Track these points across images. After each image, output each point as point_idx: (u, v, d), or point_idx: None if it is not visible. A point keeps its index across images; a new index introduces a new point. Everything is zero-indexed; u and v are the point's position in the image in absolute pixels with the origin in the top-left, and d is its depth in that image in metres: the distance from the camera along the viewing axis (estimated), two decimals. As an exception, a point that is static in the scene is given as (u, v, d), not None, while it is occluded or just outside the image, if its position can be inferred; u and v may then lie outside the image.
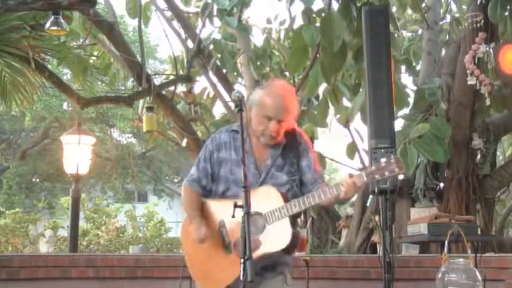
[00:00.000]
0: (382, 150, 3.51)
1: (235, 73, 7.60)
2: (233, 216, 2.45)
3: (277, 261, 2.77)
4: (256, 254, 2.53)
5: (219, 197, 2.85)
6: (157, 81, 7.35)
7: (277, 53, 8.29)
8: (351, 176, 2.61)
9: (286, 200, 2.69)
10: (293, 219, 2.70)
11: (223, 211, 2.71)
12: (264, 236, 2.65)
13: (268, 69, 7.86)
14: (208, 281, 2.79)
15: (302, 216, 7.93)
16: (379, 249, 4.82)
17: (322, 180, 2.88)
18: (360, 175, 2.61)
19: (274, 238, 2.63)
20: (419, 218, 4.67)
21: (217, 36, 7.19)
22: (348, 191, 2.59)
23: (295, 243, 2.68)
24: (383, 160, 2.62)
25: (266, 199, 2.65)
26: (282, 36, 8.32)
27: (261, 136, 2.81)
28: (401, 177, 3.82)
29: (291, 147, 2.82)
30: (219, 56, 6.88)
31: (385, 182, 3.42)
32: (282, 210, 2.64)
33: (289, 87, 2.94)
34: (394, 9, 7.52)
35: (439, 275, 3.55)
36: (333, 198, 2.64)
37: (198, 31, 6.92)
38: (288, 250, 2.69)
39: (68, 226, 6.95)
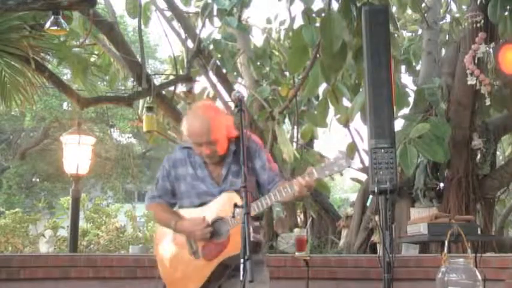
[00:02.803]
0: (382, 150, 3.51)
1: (235, 73, 7.59)
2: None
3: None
4: (221, 257, 2.76)
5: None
6: (157, 81, 7.34)
7: (277, 53, 8.29)
8: (303, 176, 2.69)
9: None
10: (254, 221, 2.75)
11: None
12: (228, 239, 2.78)
13: (268, 69, 7.85)
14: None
15: (302, 216, 7.99)
16: (379, 249, 4.81)
17: (280, 177, 2.94)
18: (311, 173, 2.69)
19: (235, 241, 2.68)
20: (419, 218, 4.66)
21: (217, 36, 7.19)
22: (301, 190, 2.68)
23: (253, 245, 2.67)
24: (332, 156, 2.75)
25: (228, 205, 2.70)
26: (282, 36, 8.32)
27: (204, 157, 2.89)
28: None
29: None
30: (219, 56, 6.87)
31: (385, 182, 3.42)
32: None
33: (206, 107, 2.93)
34: (394, 9, 7.52)
35: (439, 275, 3.55)
36: (290, 197, 2.74)
37: (198, 31, 6.91)
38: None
39: (68, 226, 6.95)
